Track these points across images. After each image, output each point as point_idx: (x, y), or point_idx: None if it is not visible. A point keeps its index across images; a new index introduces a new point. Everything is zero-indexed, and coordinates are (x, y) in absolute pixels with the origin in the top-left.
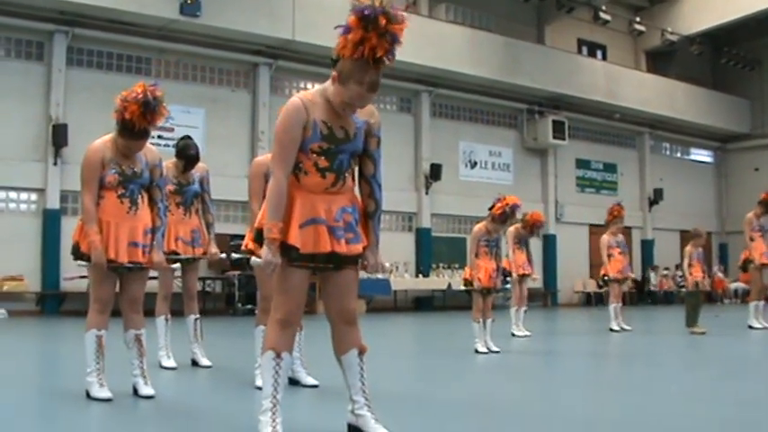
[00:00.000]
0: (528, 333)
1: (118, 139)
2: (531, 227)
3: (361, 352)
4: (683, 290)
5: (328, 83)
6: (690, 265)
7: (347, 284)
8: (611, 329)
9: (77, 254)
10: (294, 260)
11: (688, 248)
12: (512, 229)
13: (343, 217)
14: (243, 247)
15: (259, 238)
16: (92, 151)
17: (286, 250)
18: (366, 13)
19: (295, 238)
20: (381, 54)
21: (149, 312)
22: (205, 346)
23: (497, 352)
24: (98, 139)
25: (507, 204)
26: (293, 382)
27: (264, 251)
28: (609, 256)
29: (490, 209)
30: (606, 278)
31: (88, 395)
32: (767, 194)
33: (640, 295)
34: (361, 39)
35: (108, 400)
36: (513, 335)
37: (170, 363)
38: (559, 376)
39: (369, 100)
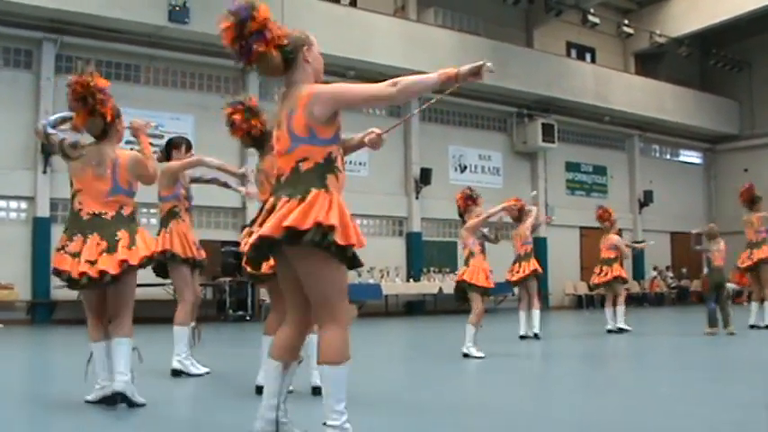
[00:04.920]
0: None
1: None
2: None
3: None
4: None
5: None
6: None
7: None
8: (611, 330)
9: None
10: (354, 260)
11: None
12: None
13: None
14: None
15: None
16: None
17: (347, 251)
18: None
19: (359, 239)
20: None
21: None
22: (200, 353)
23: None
24: None
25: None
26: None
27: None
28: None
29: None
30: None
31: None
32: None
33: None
34: None
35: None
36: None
37: (199, 370)
38: (552, 379)
39: None
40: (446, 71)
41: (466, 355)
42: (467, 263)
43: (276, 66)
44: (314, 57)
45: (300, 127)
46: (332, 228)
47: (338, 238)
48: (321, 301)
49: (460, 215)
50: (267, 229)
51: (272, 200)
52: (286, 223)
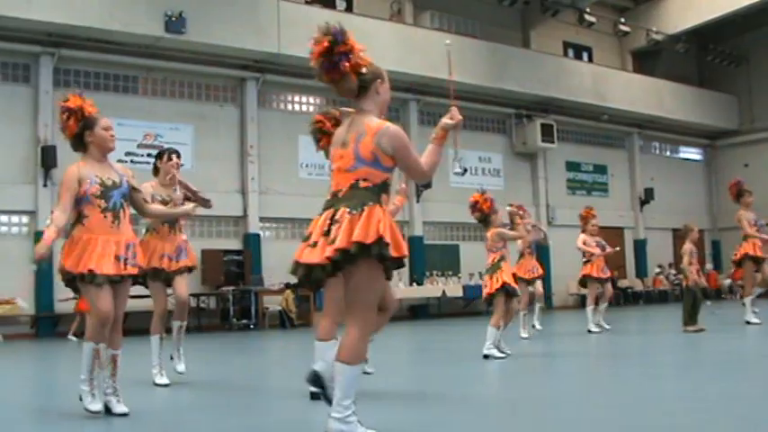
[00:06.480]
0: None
1: (89, 155)
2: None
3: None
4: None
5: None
6: (689, 263)
7: None
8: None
9: (65, 277)
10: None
11: (687, 246)
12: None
13: None
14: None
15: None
16: (68, 171)
17: (399, 262)
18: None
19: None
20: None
21: (137, 331)
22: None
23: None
24: (73, 164)
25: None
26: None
27: None
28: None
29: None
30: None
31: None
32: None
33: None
34: None
35: (97, 412)
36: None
37: (163, 380)
38: (558, 377)
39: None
40: (436, 136)
41: (486, 357)
42: (499, 267)
43: (351, 88)
44: (384, 90)
45: (367, 152)
46: (388, 244)
47: (392, 251)
48: (358, 307)
49: (480, 220)
50: (339, 242)
51: (327, 212)
52: (354, 238)
